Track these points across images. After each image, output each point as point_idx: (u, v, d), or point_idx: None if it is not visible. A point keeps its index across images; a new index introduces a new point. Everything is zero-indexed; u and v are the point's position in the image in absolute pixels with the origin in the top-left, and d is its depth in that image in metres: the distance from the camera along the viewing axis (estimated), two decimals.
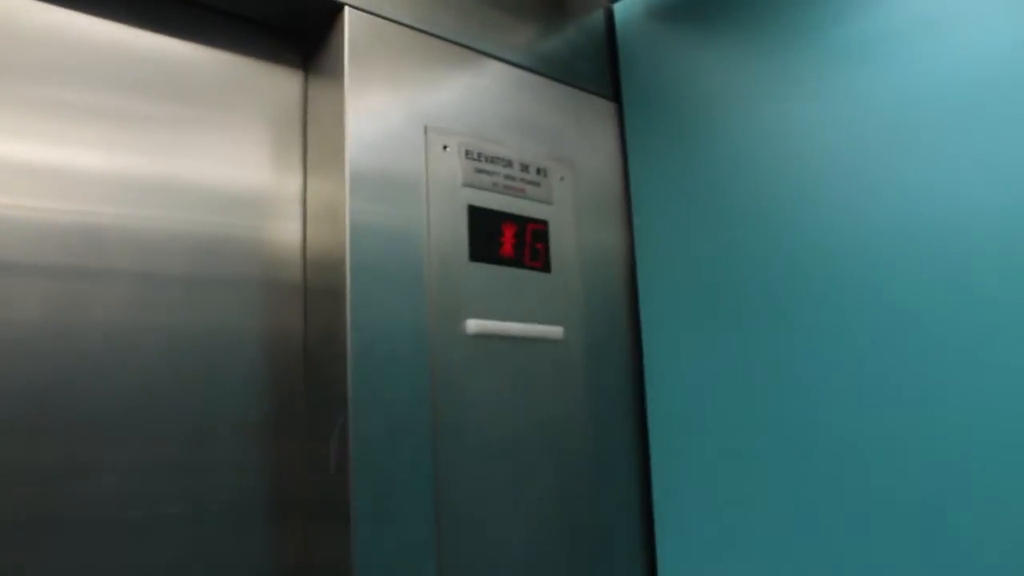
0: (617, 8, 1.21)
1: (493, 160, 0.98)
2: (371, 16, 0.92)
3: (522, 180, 1.01)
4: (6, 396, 0.72)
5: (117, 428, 0.78)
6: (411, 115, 0.93)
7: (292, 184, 0.95)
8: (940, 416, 0.80)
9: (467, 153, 0.96)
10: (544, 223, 1.02)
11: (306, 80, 0.98)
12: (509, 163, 1.00)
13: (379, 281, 0.85)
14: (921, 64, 0.85)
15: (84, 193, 0.80)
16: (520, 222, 0.99)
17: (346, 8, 0.90)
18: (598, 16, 1.20)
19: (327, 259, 0.88)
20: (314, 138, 0.94)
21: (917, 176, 0.84)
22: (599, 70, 1.18)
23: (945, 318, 0.80)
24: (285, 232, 0.93)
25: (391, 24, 0.94)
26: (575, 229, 1.06)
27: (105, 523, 0.76)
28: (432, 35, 0.97)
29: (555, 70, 1.11)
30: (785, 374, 0.93)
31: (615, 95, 1.19)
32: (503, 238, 0.97)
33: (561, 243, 1.04)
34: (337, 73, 0.90)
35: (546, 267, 1.01)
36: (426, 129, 0.93)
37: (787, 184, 0.96)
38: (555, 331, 1.00)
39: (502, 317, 0.95)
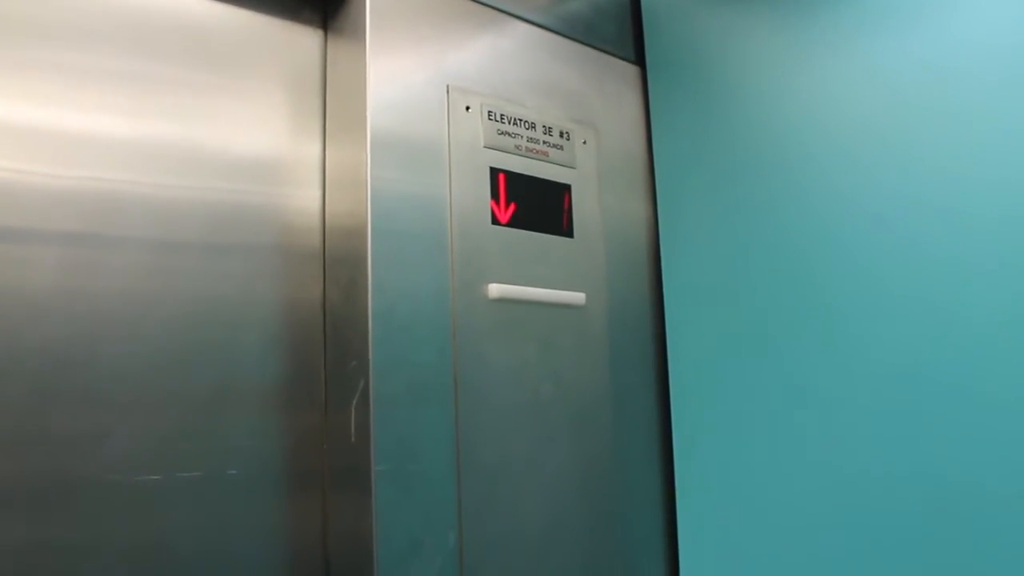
0: None
1: (516, 122, 0.96)
2: None
3: (545, 143, 0.99)
4: (22, 361, 0.72)
5: (134, 393, 0.77)
6: (433, 75, 0.91)
7: (311, 149, 0.93)
8: (991, 394, 0.77)
9: (490, 114, 0.94)
10: (567, 187, 1.00)
11: (326, 40, 0.96)
12: (532, 125, 0.98)
13: (400, 244, 0.84)
14: (960, 28, 0.82)
15: (99, 159, 0.79)
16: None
17: None
18: None
19: (347, 224, 0.87)
20: (334, 100, 0.93)
21: (953, 142, 0.82)
22: (623, 33, 1.16)
23: (991, 287, 0.78)
24: (304, 198, 0.92)
25: None
26: (598, 194, 1.05)
27: (122, 486, 0.76)
28: None
29: (578, 32, 1.09)
30: (814, 343, 0.91)
31: (639, 58, 1.16)
32: None
33: (584, 208, 1.02)
34: (358, 32, 0.88)
35: (569, 232, 1.00)
36: (448, 89, 0.91)
37: (816, 150, 0.94)
38: (577, 297, 0.98)
39: (524, 282, 0.93)
